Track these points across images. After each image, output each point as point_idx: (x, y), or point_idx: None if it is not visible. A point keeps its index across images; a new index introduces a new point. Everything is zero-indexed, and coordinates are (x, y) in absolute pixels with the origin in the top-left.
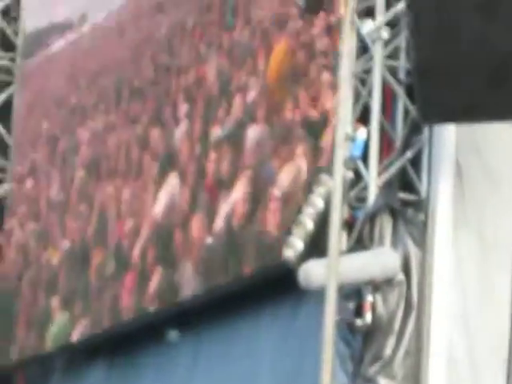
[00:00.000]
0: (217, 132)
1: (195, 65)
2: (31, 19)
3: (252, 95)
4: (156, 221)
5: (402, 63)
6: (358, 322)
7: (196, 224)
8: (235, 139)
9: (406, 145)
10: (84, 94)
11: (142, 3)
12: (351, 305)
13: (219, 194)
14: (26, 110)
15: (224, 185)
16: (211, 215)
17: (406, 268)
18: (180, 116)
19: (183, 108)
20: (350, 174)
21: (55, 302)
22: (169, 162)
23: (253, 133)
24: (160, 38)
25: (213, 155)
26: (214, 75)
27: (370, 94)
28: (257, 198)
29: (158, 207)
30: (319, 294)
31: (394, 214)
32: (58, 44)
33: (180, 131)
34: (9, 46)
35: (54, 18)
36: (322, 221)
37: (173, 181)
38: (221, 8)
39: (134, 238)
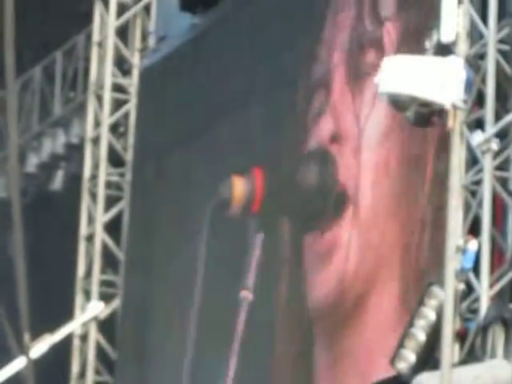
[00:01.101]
0: None
1: None
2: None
3: None
4: None
5: None
6: None
7: None
8: None
9: None
10: None
11: None
12: None
13: None
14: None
15: None
16: None
17: None
18: None
19: None
20: (462, 286)
21: None
22: None
23: None
24: None
25: None
26: None
27: (480, 205)
28: None
29: None
30: None
31: (507, 325)
32: None
33: None
34: (118, 162)
35: None
36: (434, 333)
37: None
38: None
39: None
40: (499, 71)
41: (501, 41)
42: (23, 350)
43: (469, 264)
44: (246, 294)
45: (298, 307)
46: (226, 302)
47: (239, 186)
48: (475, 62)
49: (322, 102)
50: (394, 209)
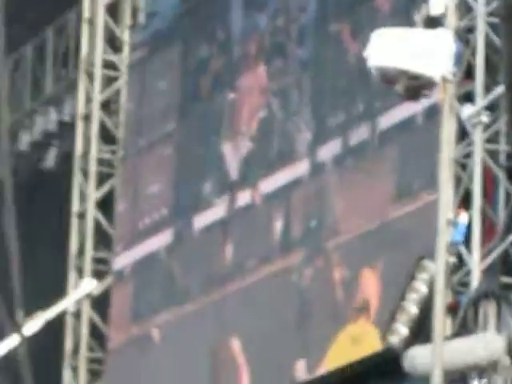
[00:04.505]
0: None
1: None
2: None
3: None
4: None
5: (502, 147)
6: None
7: None
8: None
9: (508, 228)
10: None
11: None
12: None
13: None
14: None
15: None
16: None
17: None
18: None
19: None
20: (453, 259)
21: None
22: None
23: None
24: None
25: None
26: None
27: (470, 178)
28: None
29: None
30: (425, 380)
31: (498, 297)
32: None
33: None
34: (109, 139)
35: None
36: (426, 306)
37: None
38: None
39: None
40: (489, 44)
41: (490, 14)
42: (16, 328)
43: (460, 237)
44: None
45: None
46: None
47: None
48: (465, 35)
49: None
50: None
